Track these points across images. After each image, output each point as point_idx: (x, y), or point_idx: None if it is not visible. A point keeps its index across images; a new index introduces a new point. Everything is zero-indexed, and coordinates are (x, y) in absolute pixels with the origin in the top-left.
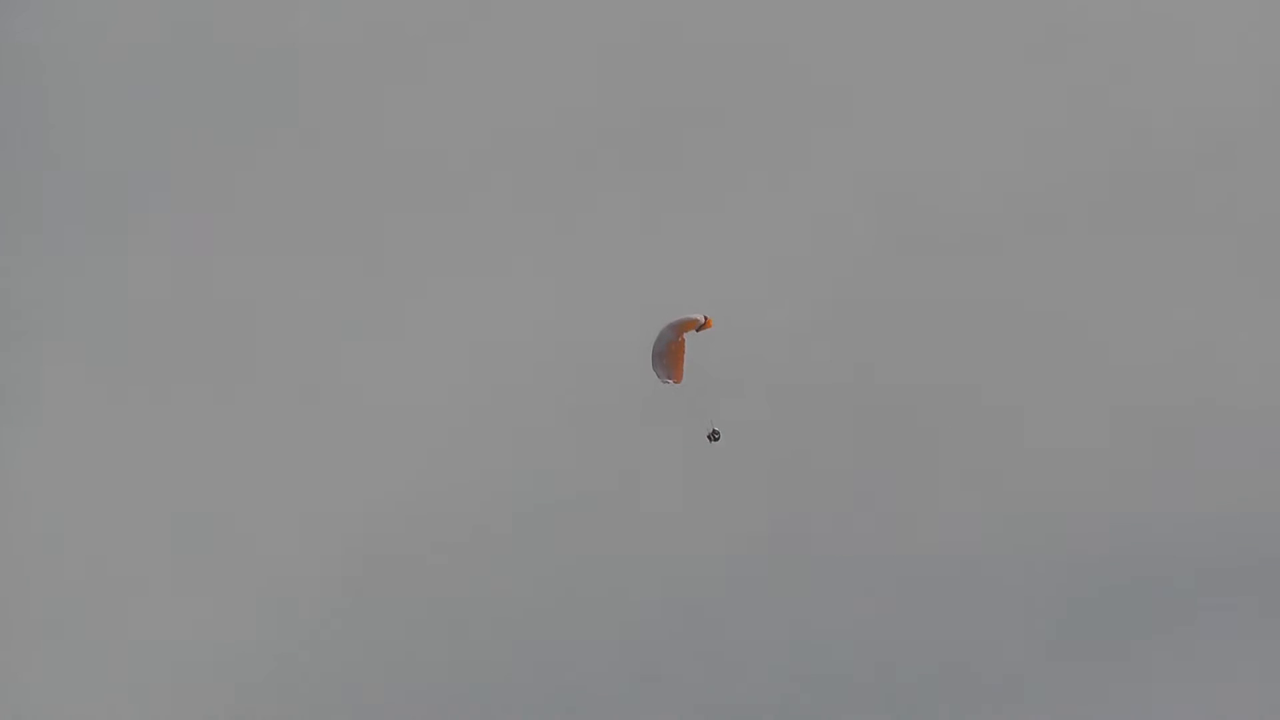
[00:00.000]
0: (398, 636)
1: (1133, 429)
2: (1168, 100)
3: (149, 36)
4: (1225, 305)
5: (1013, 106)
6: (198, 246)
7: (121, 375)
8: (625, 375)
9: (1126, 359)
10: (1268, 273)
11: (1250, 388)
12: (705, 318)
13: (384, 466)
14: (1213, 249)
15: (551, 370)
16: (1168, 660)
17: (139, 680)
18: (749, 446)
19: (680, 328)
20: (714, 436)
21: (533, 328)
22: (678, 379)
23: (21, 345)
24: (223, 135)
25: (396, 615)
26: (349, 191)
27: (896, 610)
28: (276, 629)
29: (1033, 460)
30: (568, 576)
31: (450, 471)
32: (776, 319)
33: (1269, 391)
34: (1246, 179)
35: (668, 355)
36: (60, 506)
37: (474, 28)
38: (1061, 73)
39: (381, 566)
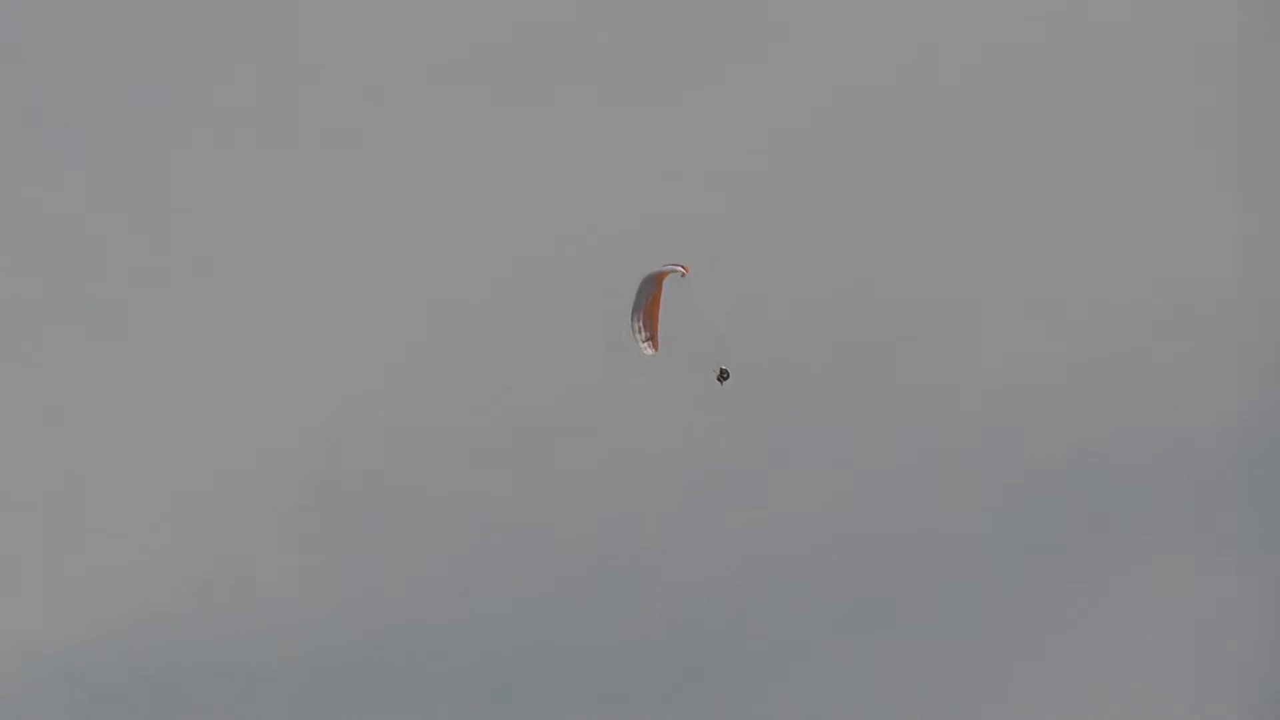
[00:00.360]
0: (360, 550)
1: (1092, 333)
2: (1131, 7)
3: None
4: (1192, 210)
5: (981, 9)
6: (154, 153)
7: (77, 283)
8: (588, 278)
9: (1086, 262)
10: (1233, 177)
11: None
12: (683, 267)
13: (345, 374)
14: (1173, 154)
15: (513, 273)
16: (1123, 573)
17: (101, 597)
18: (715, 358)
19: (657, 278)
20: (723, 376)
21: (493, 229)
22: (655, 346)
23: None
24: (172, 38)
25: (358, 529)
26: (308, 90)
27: (856, 522)
28: (236, 543)
29: (994, 367)
30: (529, 486)
31: (410, 380)
32: (739, 221)
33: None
34: (1209, 84)
35: (643, 311)
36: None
37: None
38: None
39: (345, 477)
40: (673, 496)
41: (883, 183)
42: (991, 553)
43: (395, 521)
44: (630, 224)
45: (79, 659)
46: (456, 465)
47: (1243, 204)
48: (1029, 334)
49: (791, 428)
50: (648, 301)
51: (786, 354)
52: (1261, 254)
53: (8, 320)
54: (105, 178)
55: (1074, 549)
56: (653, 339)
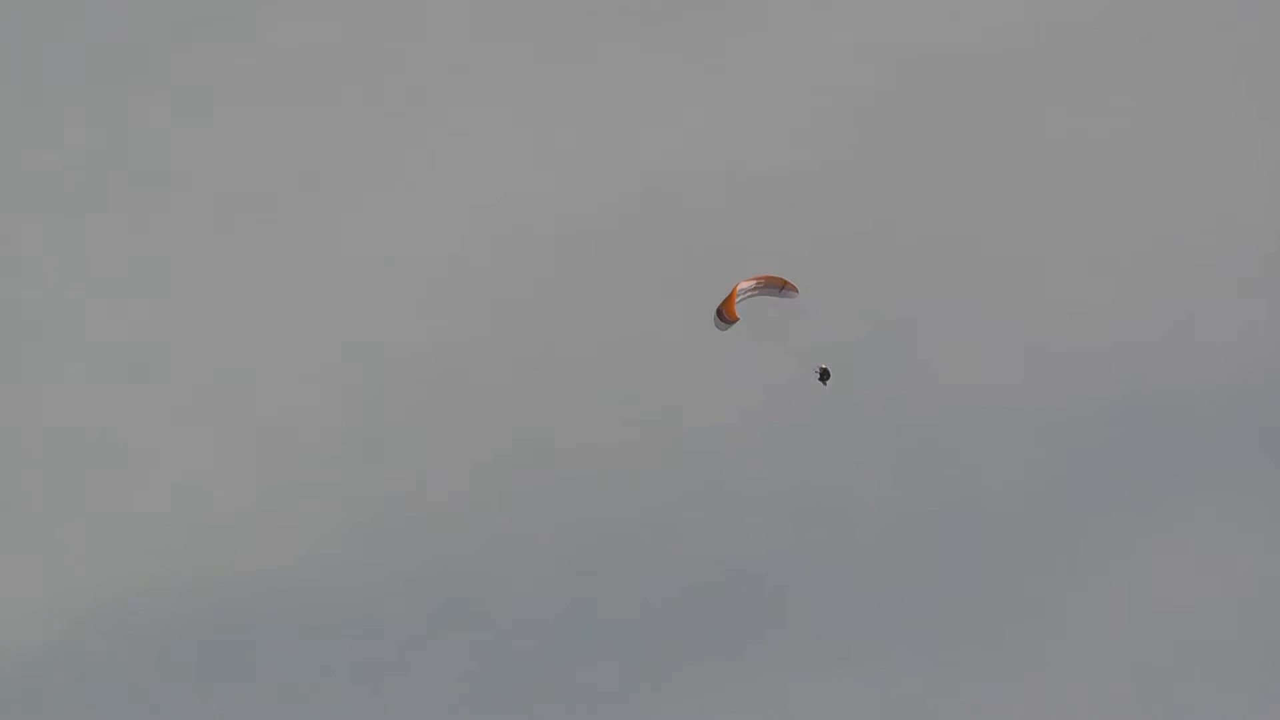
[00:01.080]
0: (399, 485)
1: (1137, 279)
2: None
3: None
4: (1230, 147)
5: None
6: (197, 91)
7: (109, 221)
8: (629, 225)
9: (1135, 207)
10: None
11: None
12: (734, 289)
13: (385, 315)
14: (1213, 91)
15: (557, 219)
16: (1171, 516)
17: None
18: (756, 301)
19: (727, 303)
20: (824, 376)
21: (536, 174)
22: (731, 315)
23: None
24: None
25: (398, 463)
26: (346, 36)
27: (899, 457)
28: (277, 480)
29: (1041, 306)
30: (568, 423)
31: (450, 322)
32: (782, 167)
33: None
34: (1242, 21)
35: (723, 312)
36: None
37: None
38: None
39: (383, 414)
40: (712, 447)
41: (936, 127)
42: (1044, 503)
43: (437, 467)
44: (676, 171)
45: (121, 608)
46: (498, 411)
47: None
48: (1085, 280)
49: (840, 371)
50: (723, 309)
51: (837, 298)
52: None
53: (56, 268)
54: (149, 123)
55: (1128, 501)
56: (728, 310)
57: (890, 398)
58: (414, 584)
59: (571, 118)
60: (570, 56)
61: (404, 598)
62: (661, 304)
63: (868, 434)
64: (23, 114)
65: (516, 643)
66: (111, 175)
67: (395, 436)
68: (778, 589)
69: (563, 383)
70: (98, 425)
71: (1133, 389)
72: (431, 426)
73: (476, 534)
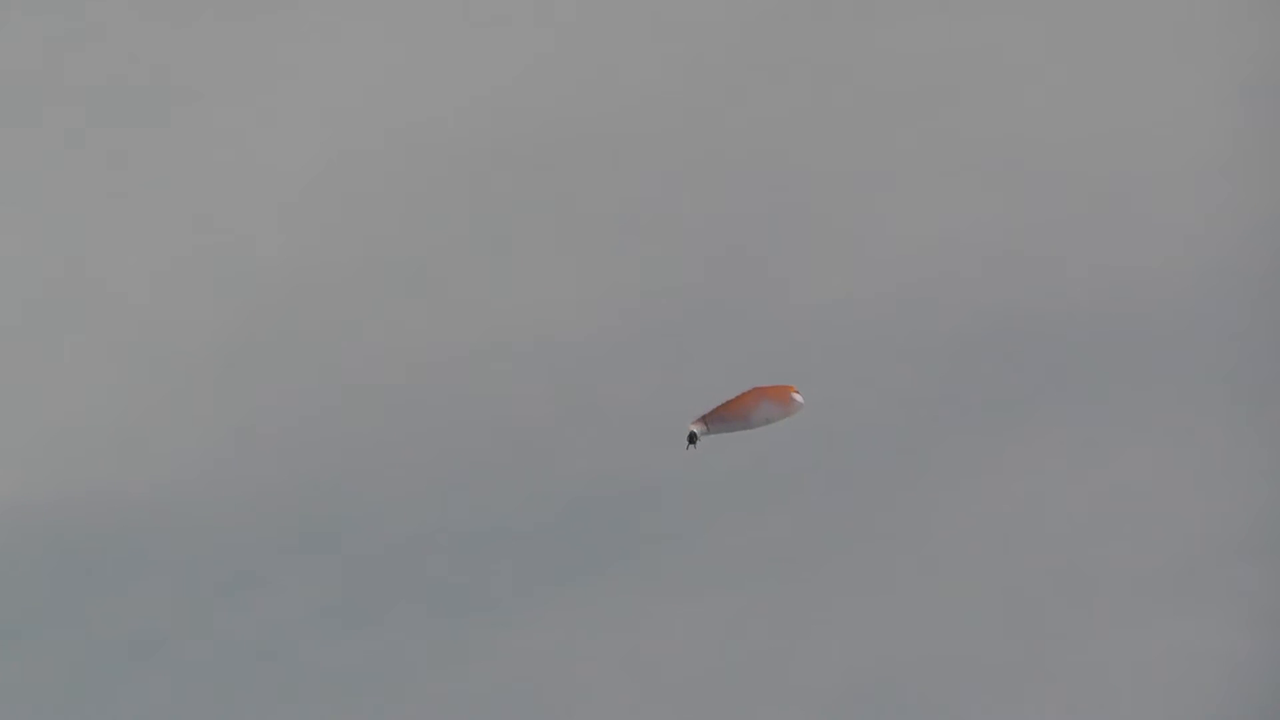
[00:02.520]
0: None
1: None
2: None
3: None
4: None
5: None
6: None
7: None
8: (488, 138)
9: (1010, 123)
10: None
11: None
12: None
13: (247, 224)
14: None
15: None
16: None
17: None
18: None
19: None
20: (692, 439)
21: (394, 88)
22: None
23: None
24: None
25: (262, 378)
26: None
27: (765, 376)
28: (137, 394)
29: (912, 224)
30: (437, 337)
31: (313, 234)
32: (645, 78)
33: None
34: None
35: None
36: None
37: None
38: None
39: (247, 329)
40: (579, 361)
41: (809, 40)
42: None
43: (304, 382)
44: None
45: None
46: (365, 326)
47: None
48: (954, 198)
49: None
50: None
51: (702, 214)
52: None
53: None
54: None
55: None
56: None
57: (754, 319)
58: (281, 500)
59: (434, 30)
60: None
61: (271, 515)
62: (526, 216)
63: (732, 351)
64: None
65: (386, 559)
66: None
67: (259, 352)
68: (644, 507)
69: (432, 297)
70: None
71: (1001, 310)
72: (298, 342)
73: (345, 451)
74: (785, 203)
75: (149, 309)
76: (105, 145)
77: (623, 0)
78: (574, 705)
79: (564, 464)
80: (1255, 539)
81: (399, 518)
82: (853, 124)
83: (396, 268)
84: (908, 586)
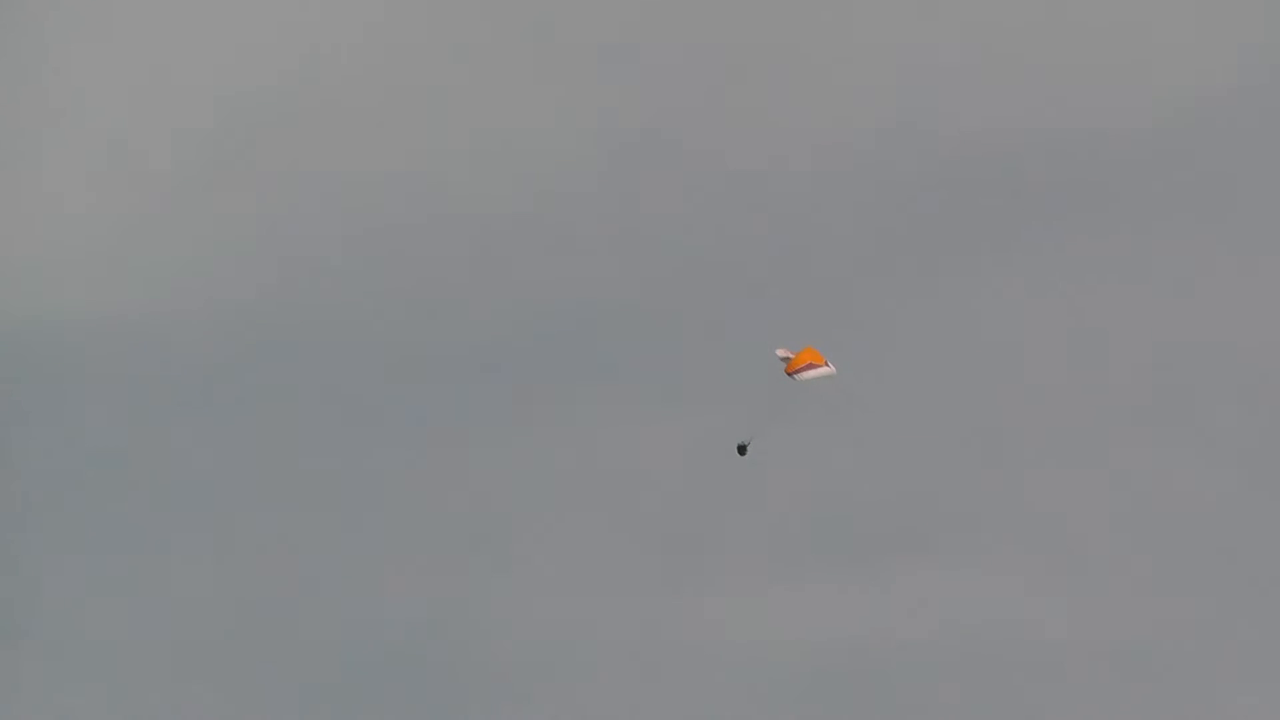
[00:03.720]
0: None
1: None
2: None
3: None
4: None
5: None
6: None
7: None
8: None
9: None
10: None
11: None
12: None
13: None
14: None
15: None
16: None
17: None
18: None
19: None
20: (742, 450)
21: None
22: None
23: None
24: None
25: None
26: None
27: (736, 210)
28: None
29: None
30: (399, 163)
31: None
32: None
33: None
34: None
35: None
36: None
37: None
38: None
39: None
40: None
41: None
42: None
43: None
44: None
45: None
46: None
47: None
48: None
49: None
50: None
51: (663, 47)
52: None
53: None
54: None
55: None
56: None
57: (724, 152)
58: (247, 316)
59: None
60: None
61: (240, 334)
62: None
63: (703, 181)
64: None
65: (352, 375)
66: None
67: (227, 176)
68: (609, 325)
69: (400, 116)
70: None
71: (963, 149)
72: (266, 168)
73: (310, 272)
74: (770, 42)
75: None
76: None
77: None
78: (548, 522)
79: (541, 276)
80: (1225, 373)
81: (370, 331)
82: None
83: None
84: (883, 407)
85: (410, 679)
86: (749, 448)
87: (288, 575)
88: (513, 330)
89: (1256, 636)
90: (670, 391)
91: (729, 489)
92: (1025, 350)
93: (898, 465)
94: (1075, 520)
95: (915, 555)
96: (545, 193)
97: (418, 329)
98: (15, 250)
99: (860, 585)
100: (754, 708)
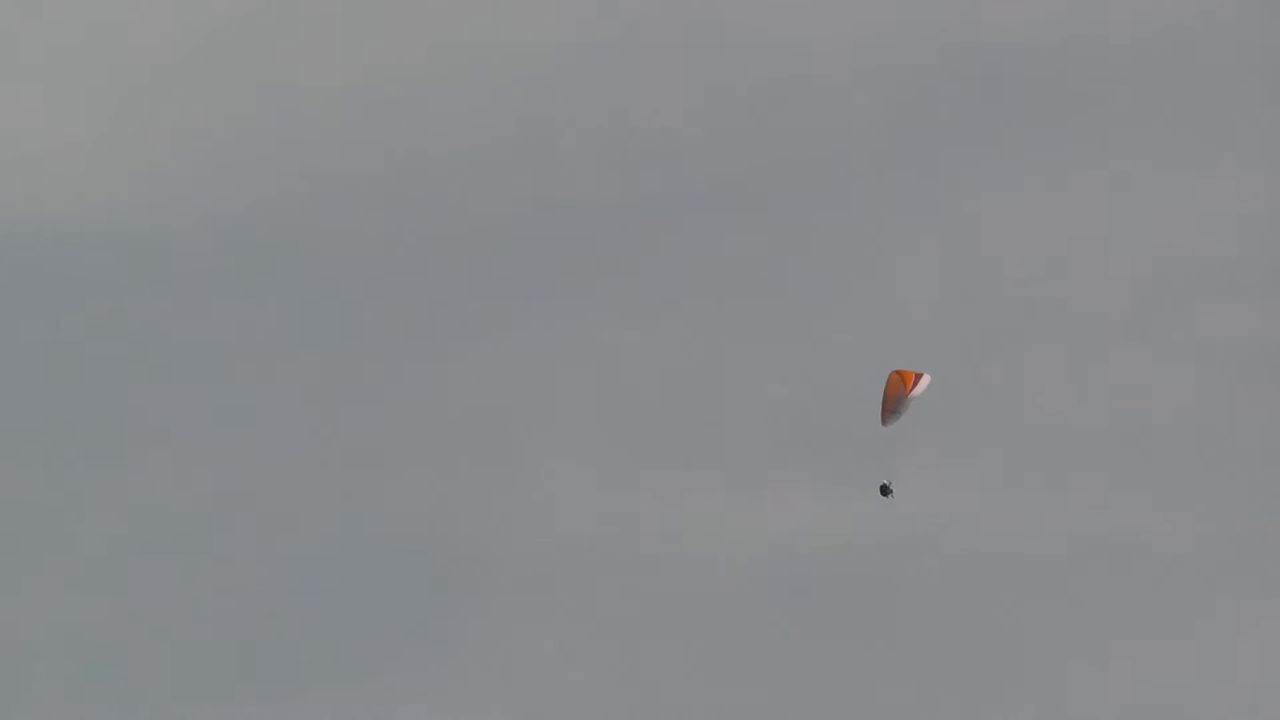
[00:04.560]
0: None
1: None
2: None
3: None
4: None
5: None
6: None
7: None
8: None
9: None
10: None
11: None
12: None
13: None
14: None
15: None
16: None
17: None
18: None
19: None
20: (886, 490)
21: None
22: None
23: None
24: None
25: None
26: None
27: (723, 110)
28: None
29: None
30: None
31: None
32: None
33: None
34: None
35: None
36: None
37: None
38: None
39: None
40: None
41: None
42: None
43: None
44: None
45: None
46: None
47: None
48: None
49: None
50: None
51: None
52: None
53: None
54: None
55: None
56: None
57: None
58: (237, 224)
59: None
60: None
61: (229, 239)
62: None
63: (686, 88)
64: None
65: (344, 278)
66: None
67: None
68: (603, 228)
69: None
70: None
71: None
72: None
73: (301, 177)
74: None
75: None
76: None
77: None
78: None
79: (520, 184)
80: (1213, 275)
81: (356, 240)
82: None
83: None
84: (864, 311)
85: (399, 581)
86: (890, 488)
87: (273, 481)
88: (504, 238)
89: (1239, 546)
90: (670, 294)
91: (723, 393)
92: (1020, 255)
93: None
94: (1071, 426)
95: (911, 458)
96: (531, 99)
97: (401, 238)
98: None
99: (856, 488)
100: (749, 610)
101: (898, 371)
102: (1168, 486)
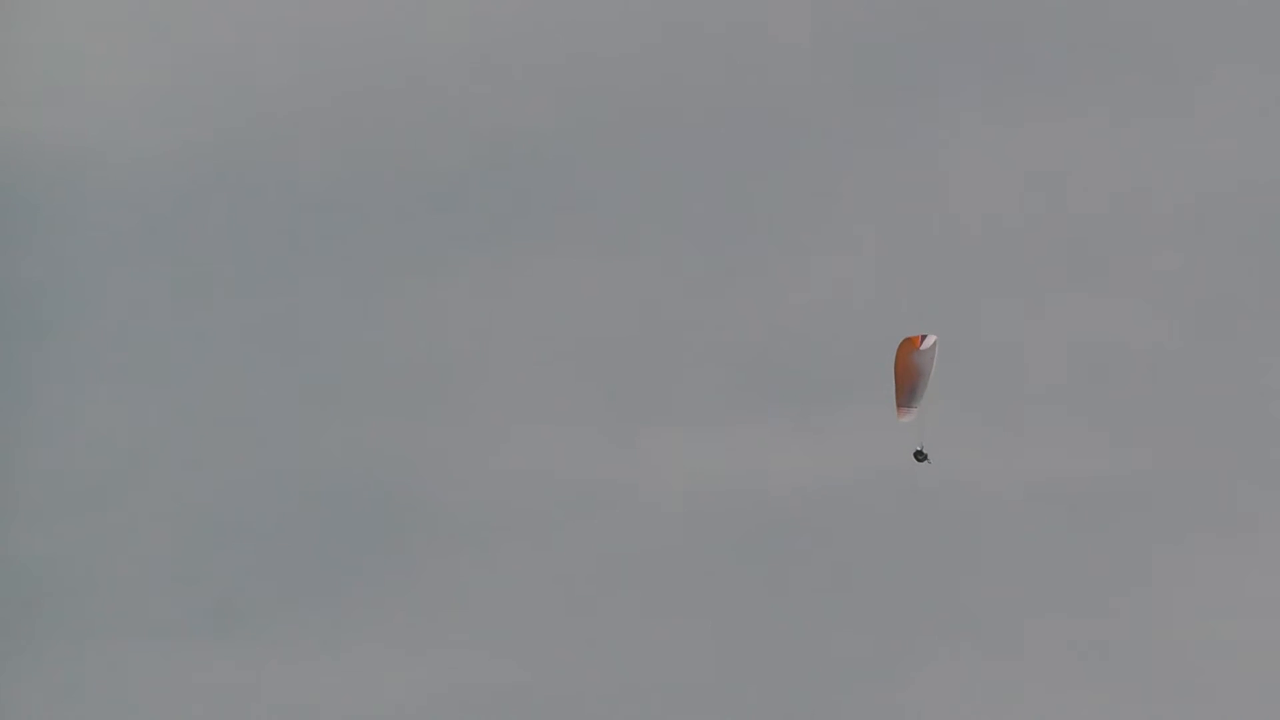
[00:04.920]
0: None
1: None
2: None
3: None
4: None
5: None
6: None
7: None
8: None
9: None
10: None
11: None
12: (922, 338)
13: None
14: None
15: None
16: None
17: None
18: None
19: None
20: (920, 456)
21: None
22: (900, 414)
23: None
24: None
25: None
26: None
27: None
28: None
29: None
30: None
31: None
32: None
33: None
34: None
35: (896, 375)
36: None
37: None
38: None
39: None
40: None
41: None
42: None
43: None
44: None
45: None
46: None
47: None
48: None
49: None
50: (898, 366)
51: None
52: None
53: None
54: None
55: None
56: (901, 405)
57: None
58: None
59: None
60: None
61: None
62: None
63: (657, 34)
64: None
65: (306, 214)
66: None
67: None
68: (560, 165)
69: None
70: None
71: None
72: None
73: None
74: None
75: None
76: None
77: None
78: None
79: (481, 121)
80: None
81: (322, 173)
82: None
83: None
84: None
85: (349, 522)
86: (925, 453)
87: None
88: (457, 176)
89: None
90: (628, 229)
91: (685, 330)
92: (979, 201)
93: (860, 305)
94: (1038, 361)
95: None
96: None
97: (368, 167)
98: None
99: (818, 427)
100: (705, 552)
101: (906, 341)
102: (1122, 429)
